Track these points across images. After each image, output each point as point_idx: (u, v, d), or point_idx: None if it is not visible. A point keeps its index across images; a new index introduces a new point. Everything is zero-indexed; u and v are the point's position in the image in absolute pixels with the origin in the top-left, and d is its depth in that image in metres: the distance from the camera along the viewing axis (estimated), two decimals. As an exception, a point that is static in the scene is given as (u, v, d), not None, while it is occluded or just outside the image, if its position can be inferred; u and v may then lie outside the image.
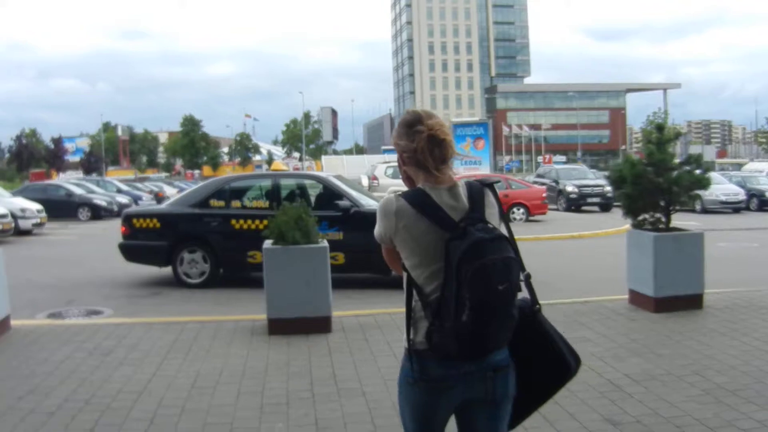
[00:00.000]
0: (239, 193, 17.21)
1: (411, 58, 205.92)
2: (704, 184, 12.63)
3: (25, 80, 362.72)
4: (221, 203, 16.67)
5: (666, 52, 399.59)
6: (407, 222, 3.89)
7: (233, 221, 16.42)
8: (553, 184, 45.44)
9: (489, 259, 3.66)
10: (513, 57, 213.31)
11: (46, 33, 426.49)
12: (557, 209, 43.17)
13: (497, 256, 3.71)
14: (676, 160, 12.79)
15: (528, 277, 4.15)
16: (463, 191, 4.02)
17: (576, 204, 44.03)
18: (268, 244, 11.54)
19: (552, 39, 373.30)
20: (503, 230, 4.04)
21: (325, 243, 11.58)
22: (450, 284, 3.66)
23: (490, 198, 4.12)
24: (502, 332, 3.83)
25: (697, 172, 12.62)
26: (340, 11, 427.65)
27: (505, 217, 4.25)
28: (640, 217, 12.78)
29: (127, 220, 17.49)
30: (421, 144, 3.97)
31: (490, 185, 4.20)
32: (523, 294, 4.08)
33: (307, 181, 17.82)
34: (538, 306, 4.20)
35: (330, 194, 16.16)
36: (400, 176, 4.25)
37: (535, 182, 46.55)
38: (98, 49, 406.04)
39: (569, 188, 43.78)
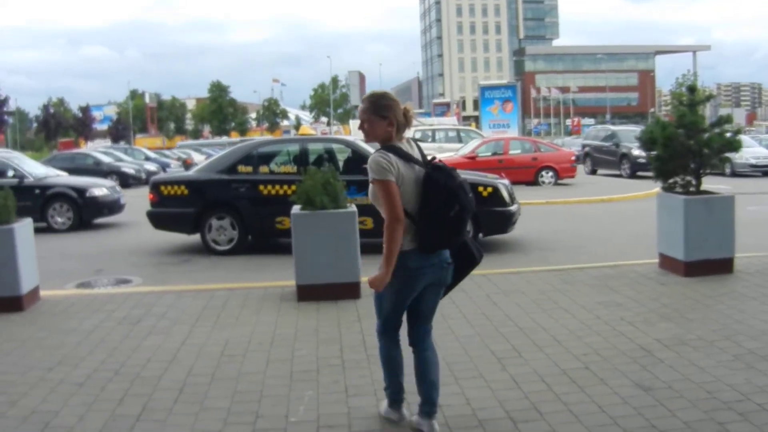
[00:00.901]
0: (267, 158, 17.16)
1: (439, 20, 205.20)
2: (735, 146, 12.50)
3: (54, 49, 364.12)
4: (249, 169, 16.59)
5: (696, 15, 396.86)
6: (401, 167, 5.87)
7: (261, 187, 16.37)
8: (613, 147, 42.57)
9: (448, 182, 5.88)
10: (541, 19, 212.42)
11: (75, 1, 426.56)
12: (620, 175, 41.05)
13: (451, 182, 5.89)
14: (707, 123, 12.65)
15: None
16: (414, 147, 6.26)
17: (645, 168, 36.35)
18: (296, 209, 11.50)
19: (581, 1, 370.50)
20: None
21: (353, 208, 11.53)
22: (435, 199, 5.85)
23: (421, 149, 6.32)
24: (462, 233, 6.14)
25: (728, 134, 12.49)
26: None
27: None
28: (671, 180, 12.66)
29: (155, 187, 17.47)
30: (399, 116, 6.12)
31: (416, 140, 6.53)
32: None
33: (335, 145, 17.71)
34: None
35: (358, 158, 16.04)
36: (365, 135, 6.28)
37: (585, 145, 45.74)
38: (128, 17, 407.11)
39: (635, 152, 38.27)
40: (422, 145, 7.39)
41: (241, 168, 16.68)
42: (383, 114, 6.08)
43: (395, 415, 6.65)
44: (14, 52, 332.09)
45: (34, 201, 22.08)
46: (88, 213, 23.22)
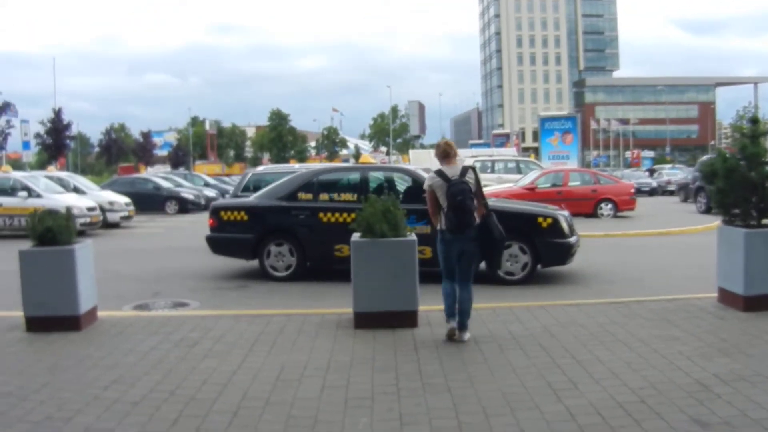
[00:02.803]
0: (327, 186, 17.19)
1: (499, 51, 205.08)
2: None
3: (116, 75, 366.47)
4: (309, 196, 16.69)
5: (759, 45, 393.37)
6: (437, 181, 10.37)
7: (321, 214, 16.47)
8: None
9: (456, 189, 10.13)
10: (602, 50, 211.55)
11: (138, 28, 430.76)
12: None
13: (458, 188, 10.10)
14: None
15: (485, 206, 10.62)
16: (458, 169, 10.41)
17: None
18: (356, 236, 11.51)
19: (641, 32, 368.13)
20: (473, 183, 10.40)
21: (413, 236, 11.53)
22: (448, 203, 10.18)
23: (470, 172, 10.47)
24: (467, 219, 10.20)
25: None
26: (430, 4, 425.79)
27: (477, 181, 10.57)
28: (732, 213, 12.54)
29: (215, 212, 17.63)
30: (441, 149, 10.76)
31: (472, 167, 10.67)
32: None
33: (395, 174, 17.72)
34: (488, 212, 10.49)
35: (418, 187, 16.05)
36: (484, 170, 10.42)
37: (696, 178, 44.86)
38: (191, 44, 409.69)
39: None
40: (482, 175, 10.60)
41: (301, 195, 16.78)
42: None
43: (449, 323, 10.52)
44: (77, 78, 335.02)
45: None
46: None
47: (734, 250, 11.99)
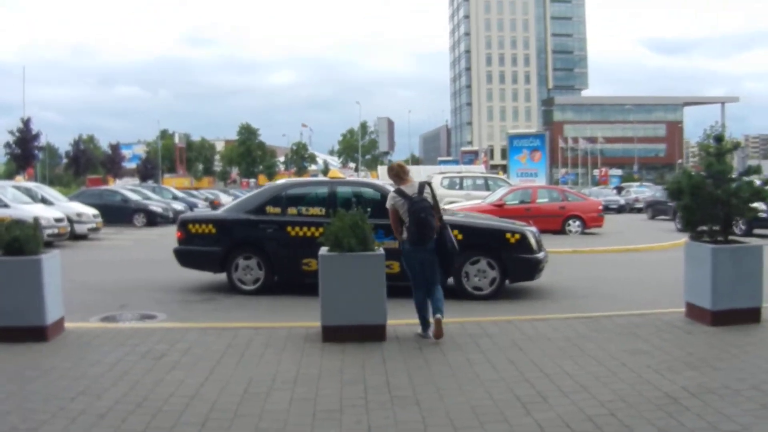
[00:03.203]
0: (295, 200, 17.16)
1: (468, 69, 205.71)
2: (765, 195, 12.46)
3: (86, 86, 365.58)
4: (277, 210, 16.67)
5: (727, 66, 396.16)
6: (398, 200, 11.52)
7: (289, 228, 16.44)
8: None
9: (418, 206, 11.29)
10: (571, 69, 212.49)
11: (109, 39, 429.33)
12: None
13: (420, 206, 11.31)
14: (735, 173, 12.63)
15: (440, 219, 11.70)
16: (415, 186, 11.60)
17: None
18: (324, 250, 11.51)
19: (611, 51, 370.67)
20: (430, 198, 11.56)
21: (381, 251, 11.53)
22: (411, 219, 11.33)
23: (426, 188, 11.65)
24: (428, 232, 11.33)
25: (757, 183, 12.45)
26: (400, 21, 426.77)
27: (434, 196, 11.77)
28: (699, 229, 12.62)
29: (183, 225, 17.58)
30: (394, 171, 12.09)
31: (428, 183, 11.88)
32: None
33: (363, 189, 17.73)
34: (443, 224, 11.65)
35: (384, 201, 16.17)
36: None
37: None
38: (161, 56, 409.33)
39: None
40: (451, 192, 10.96)
41: (270, 209, 16.76)
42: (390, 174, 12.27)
43: (423, 333, 11.56)
44: (46, 88, 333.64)
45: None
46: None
47: (701, 265, 12.07)
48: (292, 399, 8.28)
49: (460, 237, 15.49)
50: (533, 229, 16.80)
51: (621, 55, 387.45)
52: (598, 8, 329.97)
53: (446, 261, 11.67)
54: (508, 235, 15.85)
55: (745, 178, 12.58)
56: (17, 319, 11.07)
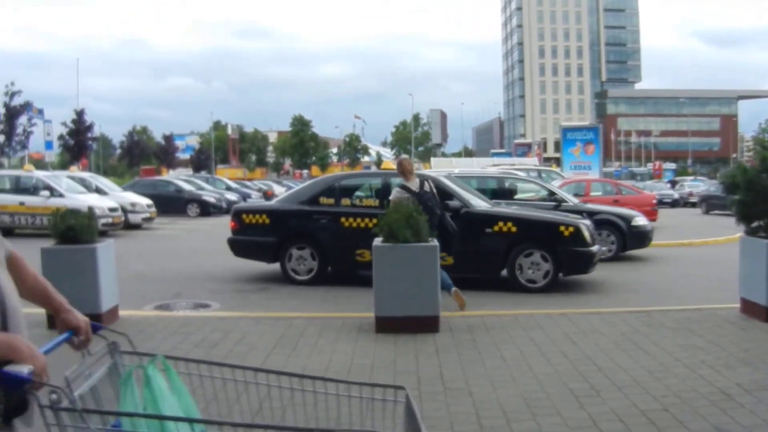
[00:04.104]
0: (349, 191, 17.34)
1: (521, 61, 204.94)
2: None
3: (140, 78, 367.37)
4: (331, 201, 16.74)
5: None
6: (404, 194, 13.55)
7: (342, 219, 16.49)
8: None
9: (424, 197, 13.48)
10: (624, 62, 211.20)
11: (163, 31, 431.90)
12: None
13: (425, 196, 13.57)
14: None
15: (441, 207, 14.05)
16: (417, 182, 13.93)
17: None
18: (378, 241, 11.53)
19: (664, 43, 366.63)
20: (433, 191, 14.04)
21: (435, 242, 11.53)
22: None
23: (426, 183, 14.02)
24: (433, 218, 12.83)
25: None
26: (453, 14, 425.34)
27: (432, 188, 14.06)
28: (754, 224, 12.48)
29: (237, 215, 17.69)
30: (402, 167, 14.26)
31: (426, 178, 14.58)
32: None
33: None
34: (442, 211, 14.01)
35: (440, 194, 16.16)
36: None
37: None
38: (215, 48, 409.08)
39: None
40: None
41: (323, 200, 16.84)
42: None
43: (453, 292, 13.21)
44: (100, 80, 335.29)
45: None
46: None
47: (756, 261, 11.94)
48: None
49: (514, 229, 15.58)
50: (587, 222, 16.73)
51: (674, 47, 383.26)
52: (651, 0, 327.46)
53: (447, 242, 13.47)
54: (563, 228, 15.77)
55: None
56: (73, 307, 11.14)
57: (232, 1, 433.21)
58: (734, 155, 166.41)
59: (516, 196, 22.66)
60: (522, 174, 28.42)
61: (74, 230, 11.46)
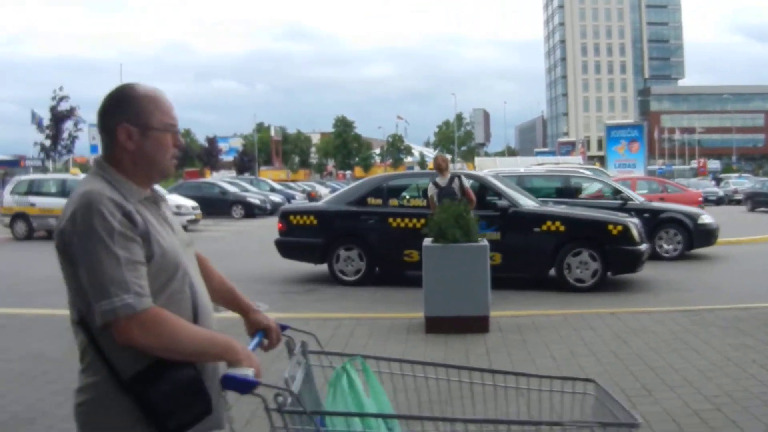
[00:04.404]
0: (396, 191, 17.42)
1: (564, 59, 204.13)
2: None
3: (183, 81, 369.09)
4: (378, 201, 16.79)
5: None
6: (433, 189, 15.26)
7: (390, 219, 16.54)
8: None
9: (446, 191, 14.80)
10: (667, 58, 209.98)
11: (206, 34, 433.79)
12: None
13: (447, 191, 14.81)
14: None
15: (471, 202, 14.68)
16: (447, 179, 15.24)
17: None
18: (427, 241, 11.58)
19: (707, 39, 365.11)
20: (457, 188, 15.12)
21: (485, 242, 11.58)
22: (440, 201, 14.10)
23: (456, 180, 15.27)
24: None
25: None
26: (494, 12, 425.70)
27: (461, 185, 15.23)
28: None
29: (284, 216, 17.77)
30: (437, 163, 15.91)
31: (458, 176, 15.48)
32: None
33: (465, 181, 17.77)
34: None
35: (488, 193, 16.16)
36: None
37: None
38: (258, 50, 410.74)
39: None
40: None
41: (371, 200, 16.89)
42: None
43: None
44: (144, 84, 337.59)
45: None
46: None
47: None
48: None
49: (562, 229, 15.56)
50: (635, 220, 16.70)
51: (718, 43, 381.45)
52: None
53: None
54: (611, 227, 15.74)
55: None
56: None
57: (275, 3, 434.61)
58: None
59: (581, 194, 22.72)
60: (588, 172, 28.45)
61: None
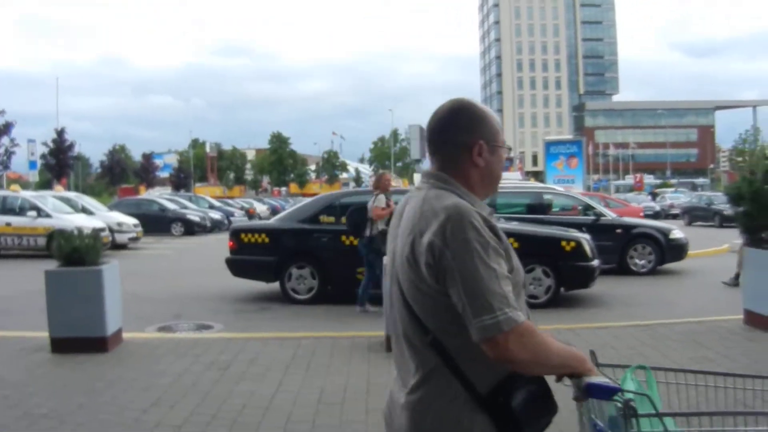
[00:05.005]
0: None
1: (499, 75, 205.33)
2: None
3: (120, 96, 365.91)
4: (331, 219, 16.75)
5: (759, 69, 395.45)
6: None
7: (343, 237, 16.42)
8: None
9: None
10: (601, 74, 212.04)
11: (143, 49, 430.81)
12: None
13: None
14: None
15: None
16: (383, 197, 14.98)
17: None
18: (386, 260, 11.49)
19: (642, 55, 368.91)
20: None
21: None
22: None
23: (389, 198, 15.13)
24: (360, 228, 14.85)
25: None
26: (432, 28, 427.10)
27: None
28: (760, 235, 12.52)
29: (236, 234, 17.64)
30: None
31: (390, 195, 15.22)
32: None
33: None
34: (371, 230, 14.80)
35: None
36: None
37: None
38: (194, 65, 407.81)
39: None
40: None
41: (323, 218, 16.89)
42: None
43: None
44: (80, 99, 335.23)
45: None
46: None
47: (762, 272, 11.97)
48: (368, 409, 8.26)
49: (516, 245, 15.46)
50: (587, 236, 16.76)
51: (652, 59, 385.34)
52: (628, 11, 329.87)
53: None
54: (564, 243, 15.82)
55: (749, 176, 12.53)
56: (78, 330, 11.14)
57: (212, 18, 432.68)
58: (711, 166, 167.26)
59: (553, 210, 22.96)
60: (560, 188, 28.70)
61: (79, 251, 11.39)
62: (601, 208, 23.31)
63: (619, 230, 21.73)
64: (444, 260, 2.87)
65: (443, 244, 2.87)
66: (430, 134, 3.32)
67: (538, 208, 22.78)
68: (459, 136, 3.20)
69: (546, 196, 23.99)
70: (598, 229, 20.81)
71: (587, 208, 22.75)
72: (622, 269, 21.22)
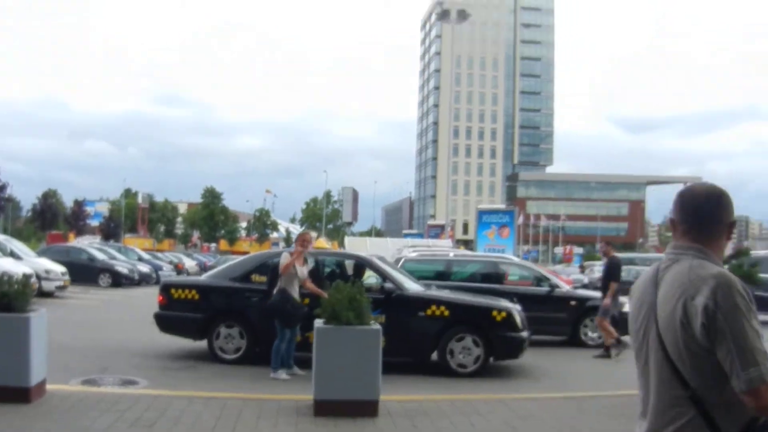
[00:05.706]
0: (281, 269, 17.14)
1: (435, 141, 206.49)
2: (754, 279, 12.54)
3: (55, 139, 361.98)
4: (263, 279, 16.55)
5: (692, 146, 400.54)
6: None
7: None
8: None
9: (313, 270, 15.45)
10: (537, 145, 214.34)
11: (82, 93, 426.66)
12: None
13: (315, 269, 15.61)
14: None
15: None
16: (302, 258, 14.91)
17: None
18: (319, 323, 11.45)
19: (578, 127, 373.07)
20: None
21: (377, 326, 11.50)
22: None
23: (308, 259, 15.25)
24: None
25: (745, 267, 12.52)
26: (370, 91, 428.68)
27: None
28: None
29: (166, 289, 17.38)
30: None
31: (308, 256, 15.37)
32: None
33: (347, 261, 17.72)
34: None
35: (364, 275, 16.13)
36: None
37: None
38: (133, 113, 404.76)
39: None
40: None
41: (255, 277, 16.70)
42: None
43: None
44: (13, 139, 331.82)
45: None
46: None
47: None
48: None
49: (446, 313, 15.58)
50: (518, 307, 16.77)
51: (588, 132, 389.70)
52: (567, 84, 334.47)
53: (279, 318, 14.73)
54: (495, 313, 15.80)
55: (734, 261, 12.66)
56: (0, 378, 10.89)
57: (155, 66, 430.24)
58: (641, 240, 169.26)
59: (507, 280, 23.01)
60: (515, 258, 28.92)
61: (8, 297, 11.17)
62: (555, 280, 23.36)
63: (573, 302, 21.75)
64: (717, 321, 3.32)
65: (715, 306, 3.34)
66: (694, 211, 3.81)
67: (494, 277, 22.88)
68: (725, 217, 3.76)
69: (501, 266, 24.02)
70: (552, 300, 21.13)
71: (541, 280, 22.82)
72: (574, 342, 21.23)
